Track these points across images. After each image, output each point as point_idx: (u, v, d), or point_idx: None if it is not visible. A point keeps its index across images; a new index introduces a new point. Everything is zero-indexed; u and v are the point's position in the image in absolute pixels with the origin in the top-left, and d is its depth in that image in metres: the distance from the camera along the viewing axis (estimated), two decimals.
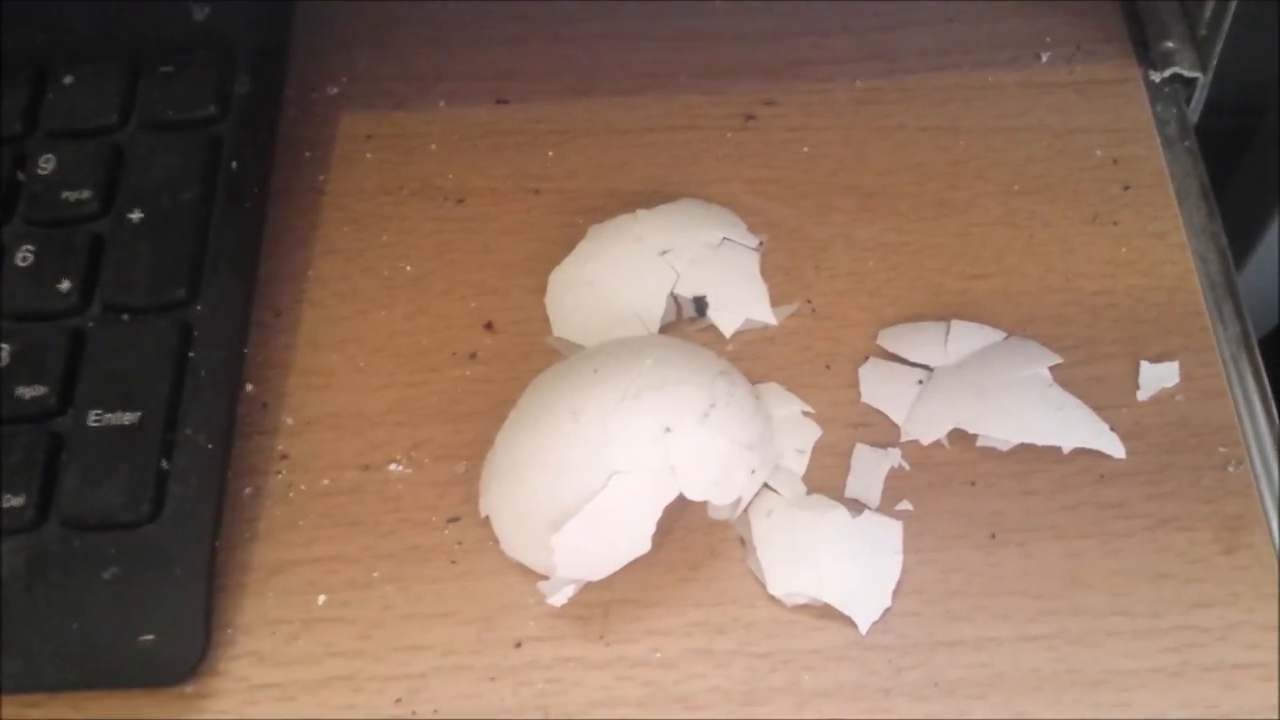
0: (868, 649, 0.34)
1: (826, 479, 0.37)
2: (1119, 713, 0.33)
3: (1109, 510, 0.36)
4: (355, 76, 0.45)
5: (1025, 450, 0.36)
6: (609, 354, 0.36)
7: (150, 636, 0.34)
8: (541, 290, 0.40)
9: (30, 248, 0.39)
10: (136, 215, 0.40)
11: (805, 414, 0.38)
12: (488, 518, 0.36)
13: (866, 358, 0.39)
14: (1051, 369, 0.37)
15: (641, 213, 0.40)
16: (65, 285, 0.38)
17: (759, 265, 0.40)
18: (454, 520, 0.37)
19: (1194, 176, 0.41)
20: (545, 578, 0.35)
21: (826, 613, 0.34)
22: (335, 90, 0.45)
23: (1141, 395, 0.37)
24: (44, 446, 0.36)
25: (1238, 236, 0.41)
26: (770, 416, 0.37)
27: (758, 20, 0.46)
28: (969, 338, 0.38)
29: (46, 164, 0.41)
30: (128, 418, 0.36)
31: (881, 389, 0.38)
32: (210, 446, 0.36)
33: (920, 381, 0.38)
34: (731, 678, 0.34)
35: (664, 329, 0.39)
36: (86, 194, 0.40)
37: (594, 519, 0.33)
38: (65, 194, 0.40)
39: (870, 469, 0.37)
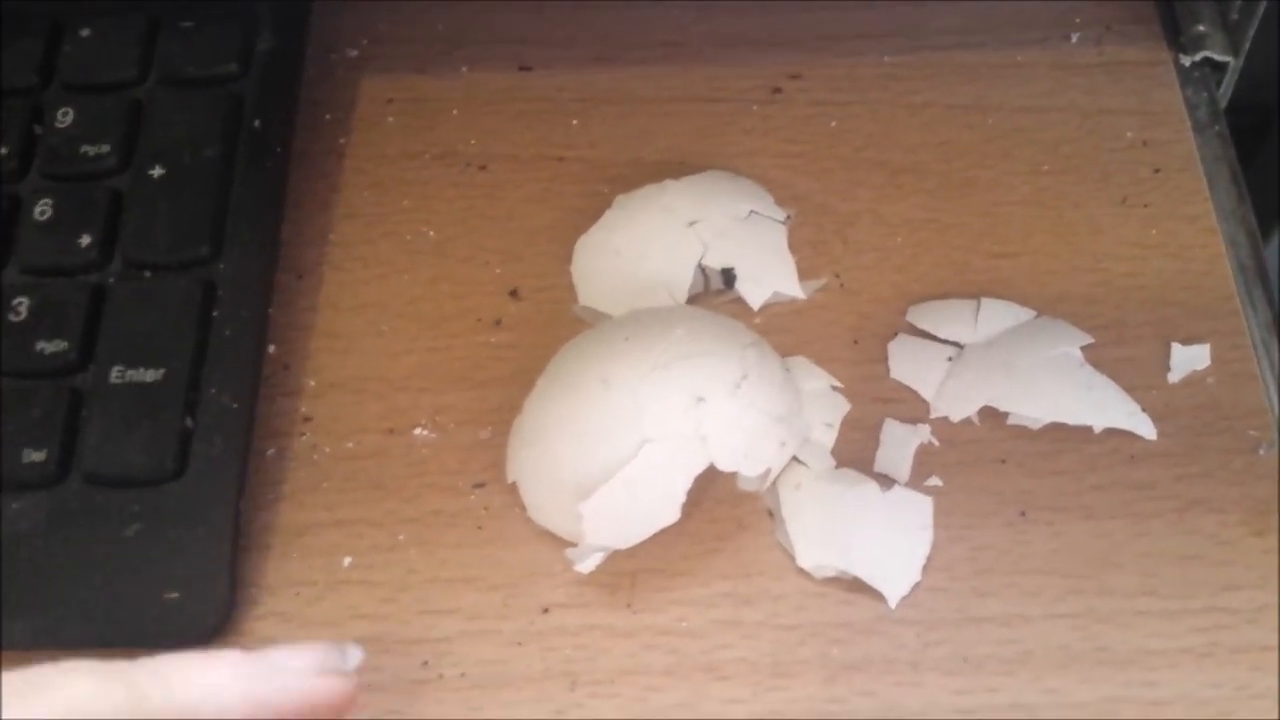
0: (896, 623, 0.34)
1: (855, 454, 0.36)
2: (1147, 692, 0.33)
3: (1139, 491, 0.36)
4: (376, 39, 0.45)
5: (1056, 429, 0.36)
6: (639, 323, 0.36)
7: (175, 594, 0.33)
8: (566, 258, 0.40)
9: (49, 202, 0.39)
10: (157, 171, 0.39)
11: (834, 388, 0.37)
12: (514, 484, 0.36)
13: (895, 333, 0.38)
14: (1082, 349, 0.37)
15: (669, 183, 0.40)
16: (85, 240, 0.38)
17: (786, 239, 0.40)
18: (480, 486, 0.36)
19: (1224, 160, 0.41)
20: (573, 545, 0.34)
21: (855, 586, 0.34)
22: (355, 53, 0.45)
23: (1172, 377, 0.37)
24: (65, 402, 0.35)
25: (1262, 215, 0.41)
26: (799, 390, 0.37)
27: None
28: (999, 316, 0.38)
29: (64, 117, 0.40)
30: (150, 375, 0.36)
31: (911, 365, 0.38)
32: (235, 406, 0.36)
33: (950, 358, 0.38)
34: (759, 649, 0.34)
35: (691, 300, 0.39)
36: (105, 149, 0.39)
37: (624, 487, 0.33)
38: (84, 148, 0.40)
39: (899, 444, 0.36)
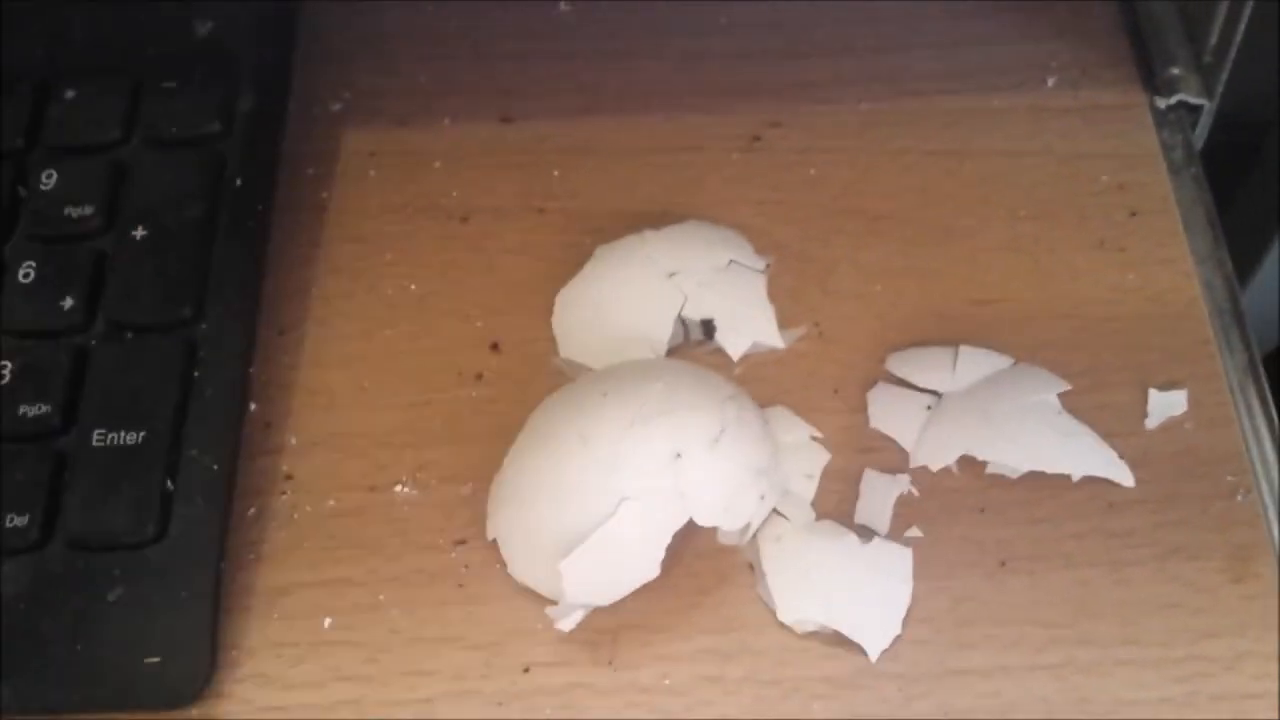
0: (878, 677, 0.34)
1: (835, 505, 0.37)
2: None
3: (1118, 539, 0.36)
4: (358, 92, 0.45)
5: (1034, 478, 0.36)
6: (618, 377, 0.36)
7: (155, 659, 0.33)
8: (547, 310, 0.40)
9: (32, 264, 0.39)
10: (140, 232, 0.39)
11: (813, 439, 0.38)
12: (495, 541, 0.36)
13: (874, 382, 0.38)
14: (1060, 396, 0.37)
15: (649, 234, 0.40)
16: (68, 302, 0.38)
17: (766, 288, 0.40)
18: (461, 543, 0.36)
19: (1200, 203, 0.41)
20: (554, 602, 0.34)
21: (836, 640, 0.34)
22: (338, 106, 0.45)
23: (1150, 423, 0.37)
24: (48, 466, 0.35)
25: (1241, 252, 0.41)
26: (778, 441, 0.37)
27: (763, 41, 0.45)
28: (977, 363, 0.38)
29: (48, 179, 0.40)
30: (131, 437, 0.36)
31: (890, 414, 0.38)
32: (215, 467, 0.36)
33: (929, 407, 0.38)
34: (741, 705, 0.34)
35: (671, 351, 0.39)
36: (89, 210, 0.40)
37: (603, 544, 0.33)
38: (68, 210, 0.40)
39: (879, 495, 0.36)
